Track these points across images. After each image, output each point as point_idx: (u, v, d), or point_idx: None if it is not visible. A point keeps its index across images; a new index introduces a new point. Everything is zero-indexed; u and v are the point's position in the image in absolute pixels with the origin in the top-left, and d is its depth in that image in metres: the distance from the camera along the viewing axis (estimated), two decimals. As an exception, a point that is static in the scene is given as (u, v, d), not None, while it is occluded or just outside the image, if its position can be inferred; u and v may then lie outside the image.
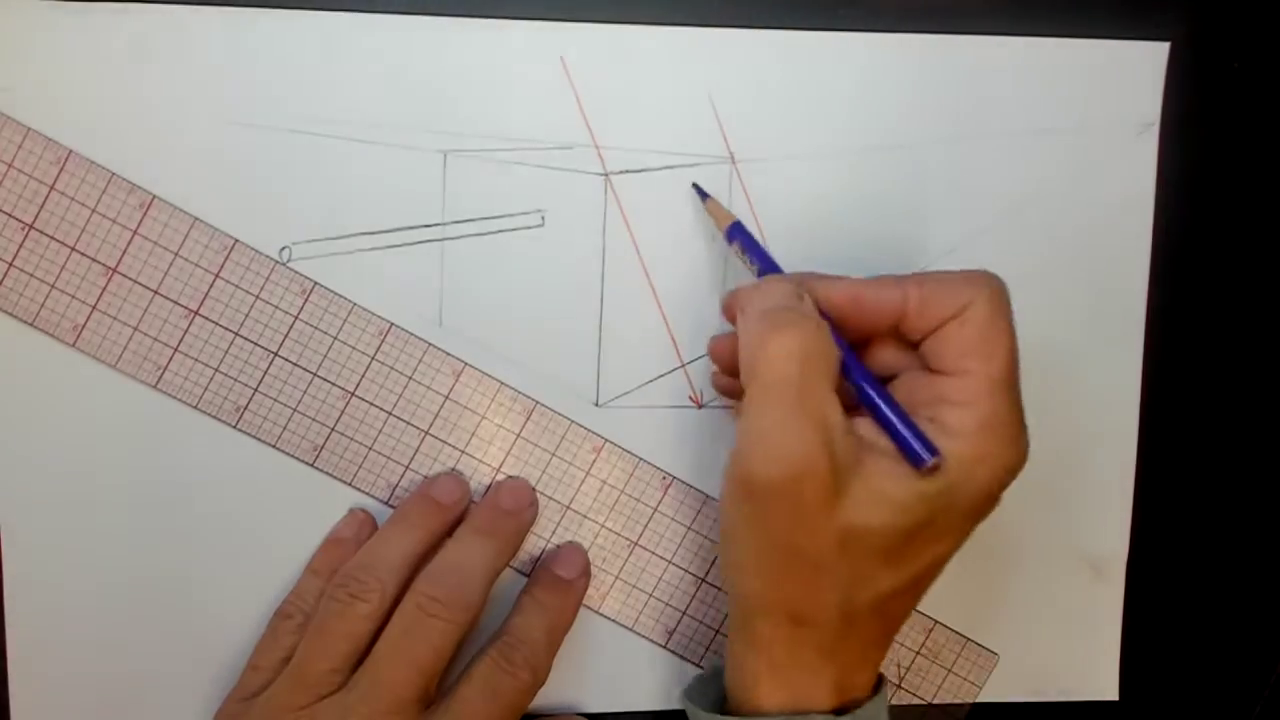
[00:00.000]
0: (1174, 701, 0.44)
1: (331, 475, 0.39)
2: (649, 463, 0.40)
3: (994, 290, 0.32)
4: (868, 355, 0.35)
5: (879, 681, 0.35)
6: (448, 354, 0.38)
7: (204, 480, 0.38)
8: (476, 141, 0.38)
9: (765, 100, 0.39)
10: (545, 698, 0.38)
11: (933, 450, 0.31)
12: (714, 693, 0.37)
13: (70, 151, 0.36)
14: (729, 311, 0.35)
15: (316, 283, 0.38)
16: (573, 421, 0.39)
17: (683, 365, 0.40)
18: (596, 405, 0.39)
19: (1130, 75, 0.40)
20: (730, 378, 0.36)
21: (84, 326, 0.37)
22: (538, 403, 0.39)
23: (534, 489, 0.39)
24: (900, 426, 0.32)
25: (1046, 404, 0.41)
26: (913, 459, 0.31)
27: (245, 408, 0.38)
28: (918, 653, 0.42)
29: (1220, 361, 0.42)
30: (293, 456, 0.38)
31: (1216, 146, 0.41)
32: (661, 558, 0.40)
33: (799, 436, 0.31)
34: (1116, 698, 0.43)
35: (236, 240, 0.37)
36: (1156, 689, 0.43)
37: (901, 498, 0.31)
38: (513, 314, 0.39)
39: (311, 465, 0.38)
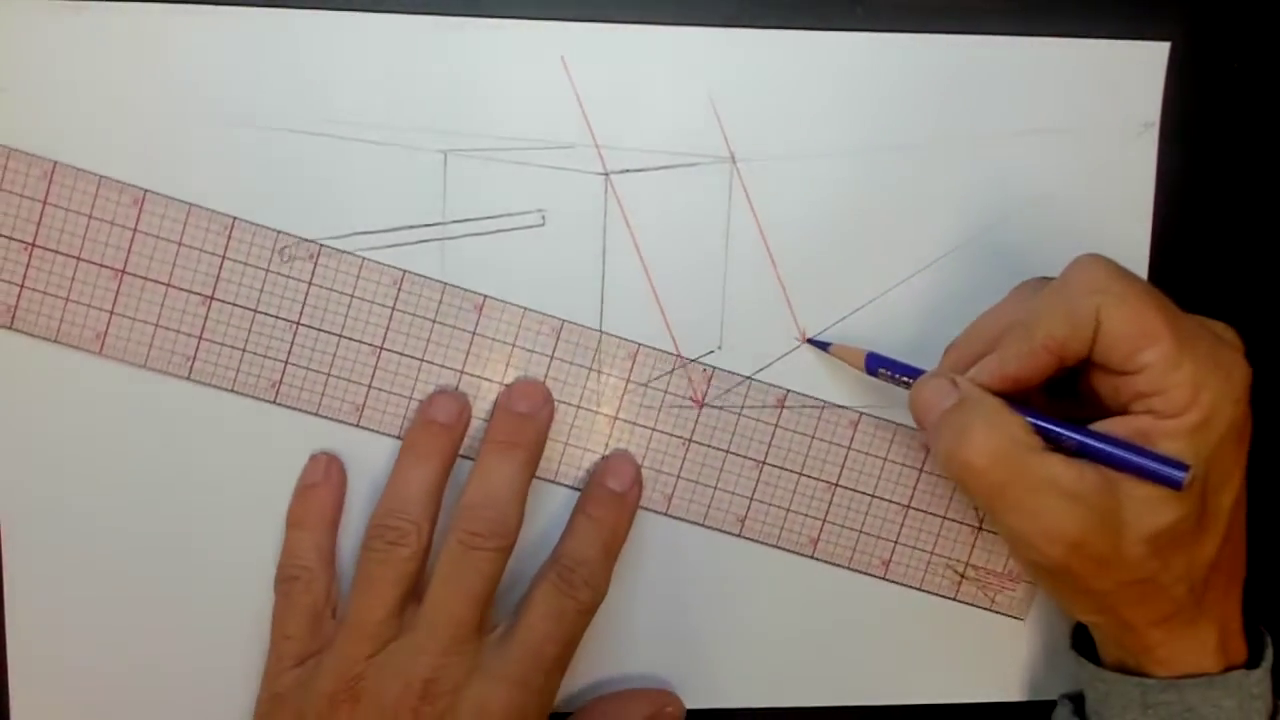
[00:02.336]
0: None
1: (378, 431, 0.38)
2: (686, 357, 0.39)
3: (1107, 282, 0.33)
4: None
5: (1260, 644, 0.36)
6: (465, 290, 0.38)
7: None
8: (476, 141, 0.38)
9: (765, 100, 0.39)
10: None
11: (1181, 467, 0.32)
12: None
13: (55, 163, 0.36)
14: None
15: (322, 245, 0.38)
16: (604, 333, 0.39)
17: (683, 365, 0.40)
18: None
19: (1130, 75, 0.40)
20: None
21: (106, 333, 0.37)
22: (564, 321, 0.39)
23: (544, 384, 0.39)
24: (1141, 466, 0.32)
25: (1046, 404, 0.41)
26: (1171, 485, 0.32)
27: (280, 381, 0.38)
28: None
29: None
30: (336, 420, 0.38)
31: (1216, 146, 0.41)
32: (719, 449, 0.40)
33: (1050, 517, 0.32)
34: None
35: (236, 218, 0.37)
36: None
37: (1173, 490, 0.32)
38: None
39: (357, 425, 0.38)
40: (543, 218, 0.38)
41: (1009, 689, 0.42)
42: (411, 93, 0.37)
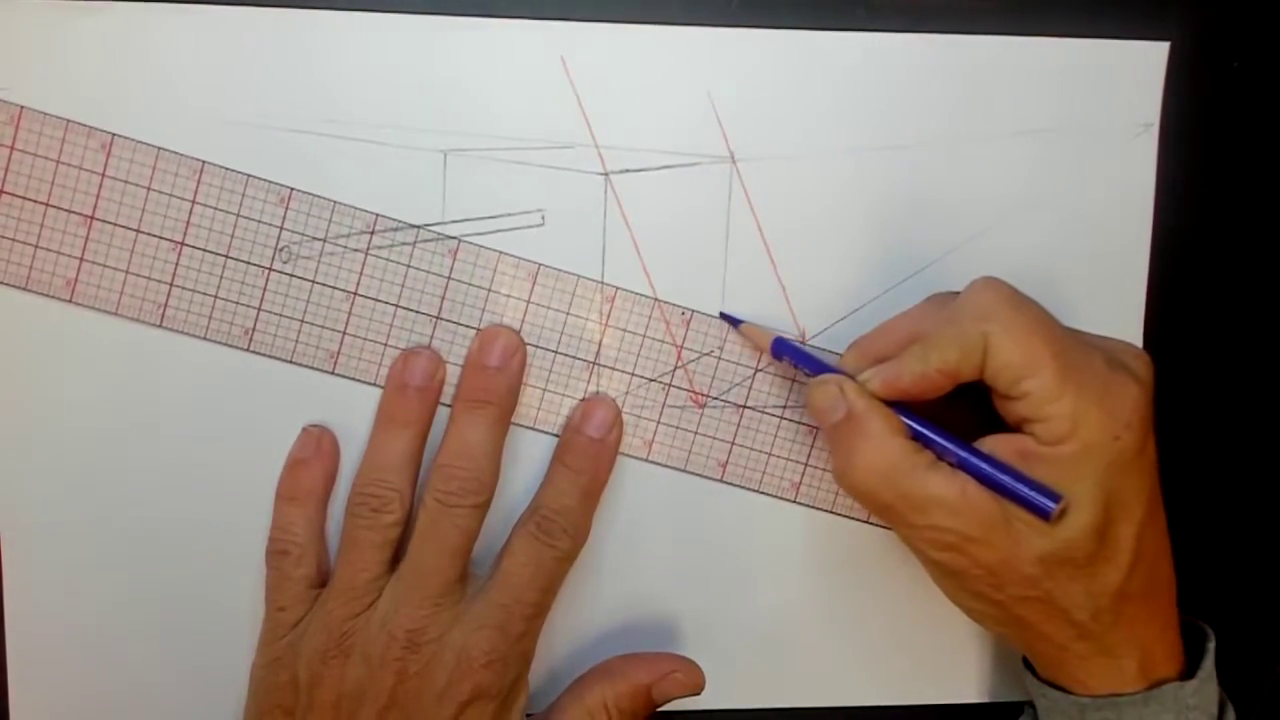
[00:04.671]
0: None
1: (353, 379, 0.38)
2: (666, 301, 0.39)
3: (997, 309, 0.33)
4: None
5: (1198, 654, 0.36)
6: (441, 235, 0.38)
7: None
8: (476, 141, 0.38)
9: (765, 100, 0.39)
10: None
11: (1054, 498, 0.32)
12: None
13: (22, 108, 0.36)
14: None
15: (294, 189, 0.37)
16: (580, 276, 0.39)
17: (683, 365, 0.40)
18: (596, 405, 0.39)
19: (1130, 75, 0.40)
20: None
21: (76, 280, 0.37)
22: (540, 265, 0.39)
23: (516, 331, 0.38)
24: (1015, 491, 0.33)
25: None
26: (1040, 514, 0.32)
27: (254, 329, 0.38)
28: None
29: (1219, 361, 0.42)
30: (310, 367, 0.38)
31: (1216, 146, 0.41)
32: (699, 392, 0.40)
33: (936, 532, 0.33)
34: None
35: (205, 162, 0.37)
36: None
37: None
38: (513, 313, 0.39)
39: (331, 373, 0.38)
40: (542, 218, 0.38)
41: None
42: (411, 93, 0.37)
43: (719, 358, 0.40)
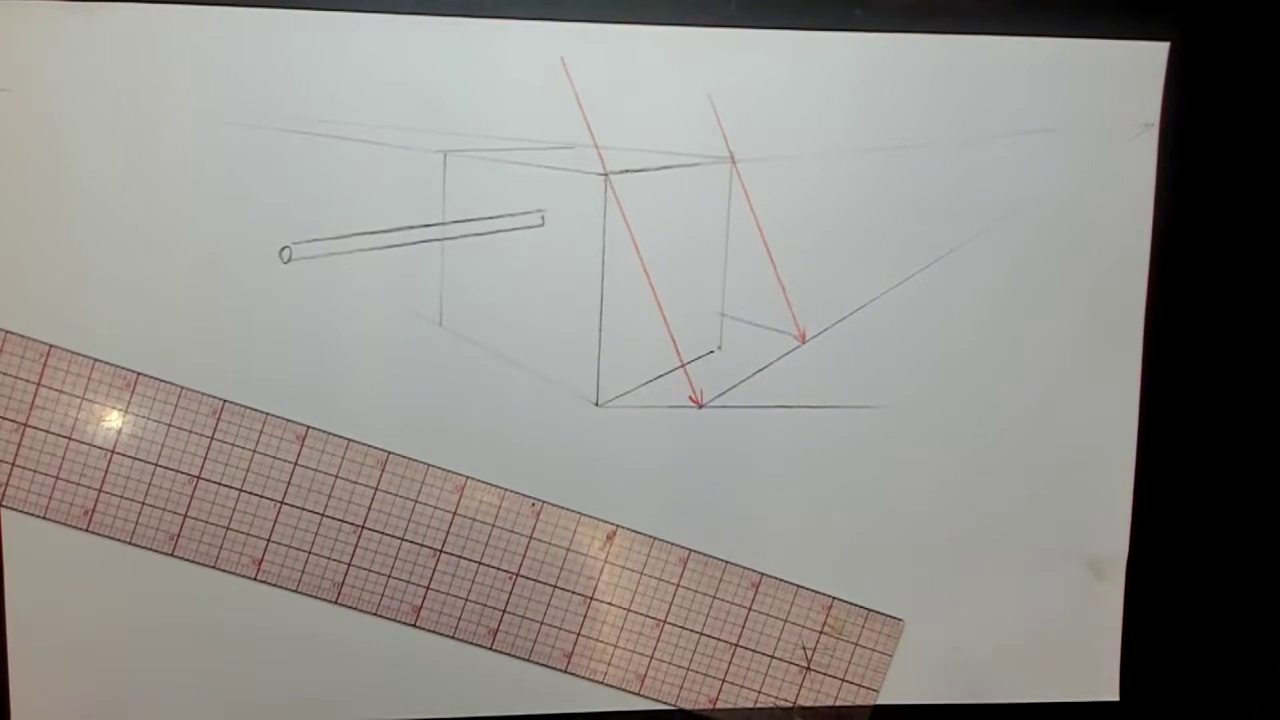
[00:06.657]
0: (1174, 701, 0.44)
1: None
2: (515, 492, 0.39)
3: None
4: None
5: None
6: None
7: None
8: (476, 141, 0.38)
9: (765, 100, 0.39)
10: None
11: None
12: None
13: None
14: None
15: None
16: (430, 465, 0.39)
17: (683, 365, 0.40)
18: (596, 405, 0.39)
19: (1130, 75, 0.40)
20: None
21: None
22: (390, 453, 0.39)
23: None
24: None
25: (1046, 404, 0.41)
26: None
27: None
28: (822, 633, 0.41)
29: (1219, 361, 0.42)
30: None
31: (1216, 146, 0.41)
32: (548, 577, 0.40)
33: None
34: (1117, 698, 0.43)
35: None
36: (1156, 689, 0.43)
37: None
38: (513, 314, 0.39)
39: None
40: (542, 218, 0.38)
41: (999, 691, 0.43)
42: (411, 93, 0.37)
43: (567, 548, 0.40)
